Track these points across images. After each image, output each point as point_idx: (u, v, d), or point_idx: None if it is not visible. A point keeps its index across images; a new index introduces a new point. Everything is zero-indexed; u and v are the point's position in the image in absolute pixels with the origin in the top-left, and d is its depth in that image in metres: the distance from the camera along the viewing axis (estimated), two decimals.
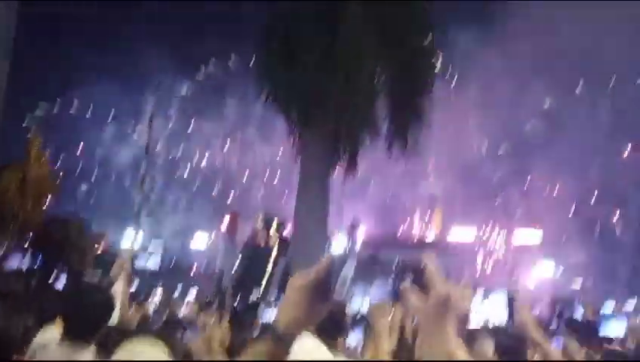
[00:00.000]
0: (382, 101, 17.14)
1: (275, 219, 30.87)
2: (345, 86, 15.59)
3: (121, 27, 59.67)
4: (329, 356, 2.33)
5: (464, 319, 2.09)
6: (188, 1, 53.23)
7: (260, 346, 1.60)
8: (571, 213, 61.16)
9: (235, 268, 29.13)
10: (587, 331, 5.54)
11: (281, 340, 1.59)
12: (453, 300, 1.52)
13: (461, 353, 1.49)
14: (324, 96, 15.81)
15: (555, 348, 4.86)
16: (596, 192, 62.58)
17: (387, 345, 2.95)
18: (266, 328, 1.62)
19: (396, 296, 1.55)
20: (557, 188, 62.02)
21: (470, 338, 3.80)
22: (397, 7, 16.66)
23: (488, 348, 3.14)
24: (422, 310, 1.51)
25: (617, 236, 62.06)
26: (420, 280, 1.53)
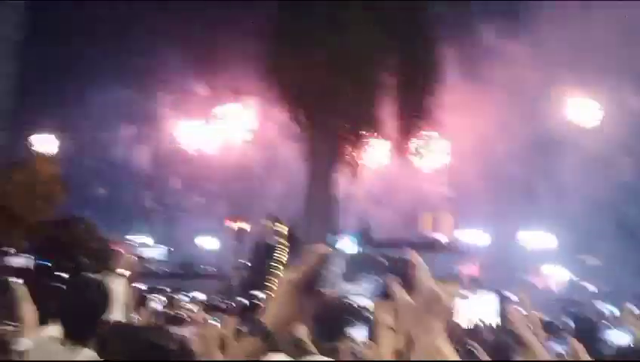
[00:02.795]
0: (389, 102, 17.10)
1: (286, 219, 30.82)
2: (353, 87, 15.56)
3: (135, 27, 59.60)
4: None
5: (448, 316, 2.05)
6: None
7: (246, 343, 1.57)
8: (593, 215, 60.07)
9: (245, 268, 29.15)
10: (592, 334, 5.50)
11: (268, 337, 1.56)
12: (441, 298, 1.49)
13: (447, 349, 1.47)
14: (332, 97, 15.78)
15: (550, 348, 4.90)
16: (625, 194, 61.42)
17: (391, 344, 2.91)
18: (254, 324, 1.59)
19: (384, 292, 1.51)
20: (579, 189, 60.88)
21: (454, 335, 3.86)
22: (405, 8, 16.63)
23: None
24: (410, 307, 1.48)
25: None
26: (408, 278, 1.50)
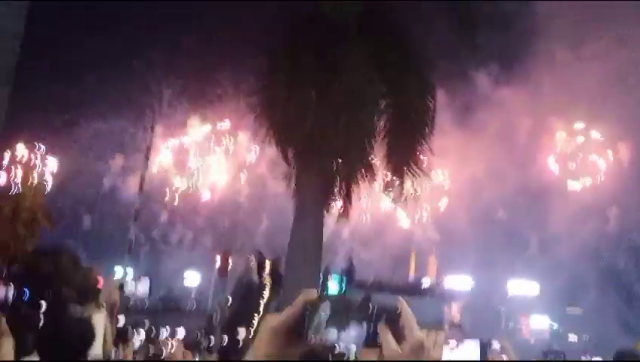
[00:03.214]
0: (380, 144, 17.18)
1: (269, 258, 30.73)
2: (345, 127, 15.64)
3: (132, 58, 59.87)
4: None
5: None
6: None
7: None
8: (579, 265, 59.81)
9: (226, 307, 28.92)
10: None
11: None
12: (427, 347, 1.49)
13: None
14: (323, 137, 15.84)
15: None
16: (611, 244, 61.28)
17: None
18: None
19: (370, 339, 1.50)
20: (566, 238, 60.71)
21: None
22: (400, 52, 16.83)
23: None
24: (396, 355, 1.47)
25: (634, 290, 60.60)
26: (395, 325, 1.49)
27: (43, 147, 61.98)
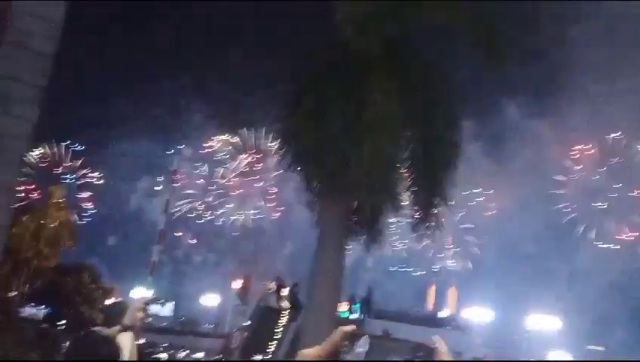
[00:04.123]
0: (406, 174, 17.09)
1: (289, 283, 30.66)
2: (369, 157, 15.57)
3: (161, 81, 60.66)
4: None
5: None
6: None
7: None
8: (606, 301, 58.55)
9: (245, 329, 28.84)
10: None
11: None
12: None
13: None
14: (348, 167, 15.79)
15: None
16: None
17: None
18: None
19: None
20: (593, 273, 59.58)
21: None
22: (426, 81, 16.81)
23: None
24: None
25: None
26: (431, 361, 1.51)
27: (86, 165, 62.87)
